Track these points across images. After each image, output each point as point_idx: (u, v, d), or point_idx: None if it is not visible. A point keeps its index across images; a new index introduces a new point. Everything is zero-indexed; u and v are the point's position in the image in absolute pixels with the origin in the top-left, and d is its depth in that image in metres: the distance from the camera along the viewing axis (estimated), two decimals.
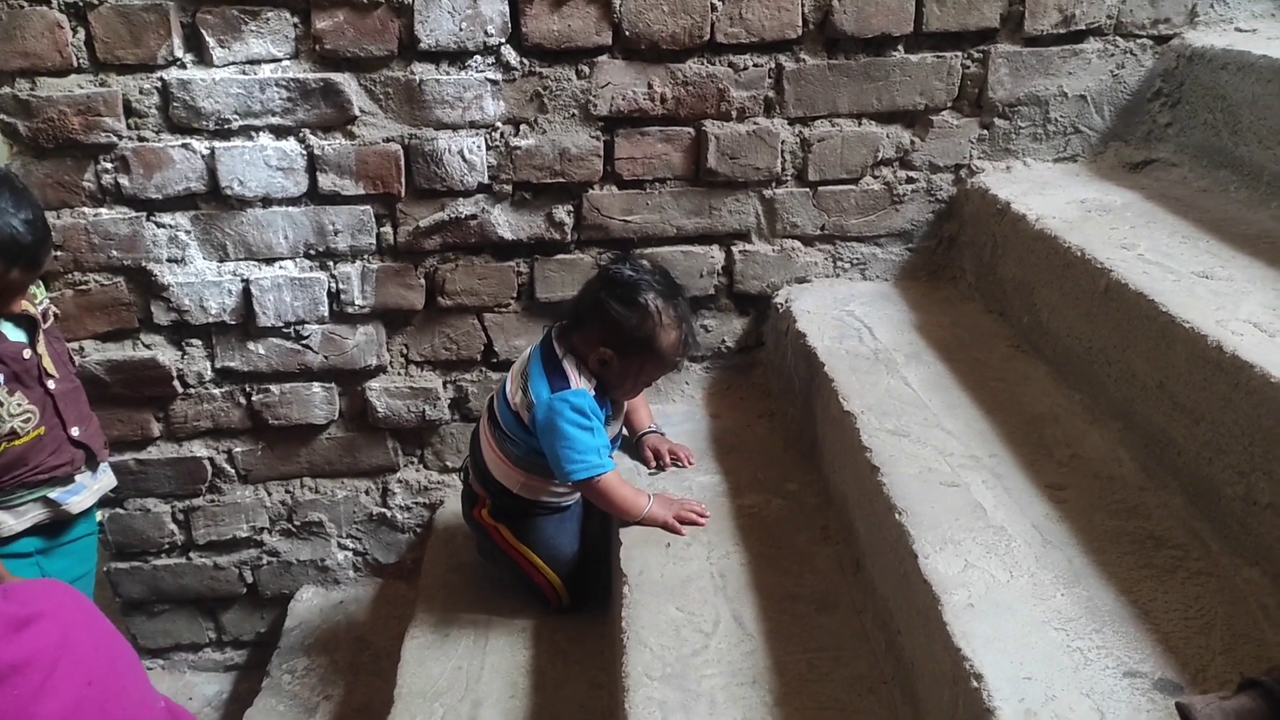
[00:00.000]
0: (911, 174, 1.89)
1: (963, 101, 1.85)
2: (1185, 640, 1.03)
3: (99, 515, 1.92)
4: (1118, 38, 1.82)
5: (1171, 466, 1.27)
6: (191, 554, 2.12)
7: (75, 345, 1.88)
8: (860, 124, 1.85)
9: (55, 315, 1.70)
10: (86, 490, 1.71)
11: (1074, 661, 1.01)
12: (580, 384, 1.62)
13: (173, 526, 2.08)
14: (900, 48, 1.80)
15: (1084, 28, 1.80)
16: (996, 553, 1.17)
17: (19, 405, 1.58)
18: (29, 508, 1.64)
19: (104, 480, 1.77)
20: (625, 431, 1.86)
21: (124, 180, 1.78)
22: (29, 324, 1.61)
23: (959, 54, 1.81)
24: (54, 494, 1.66)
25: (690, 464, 1.81)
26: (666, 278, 1.68)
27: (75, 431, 1.67)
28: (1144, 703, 0.96)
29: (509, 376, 1.72)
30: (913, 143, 1.87)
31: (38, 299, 1.65)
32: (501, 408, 1.70)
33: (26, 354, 1.58)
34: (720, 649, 1.37)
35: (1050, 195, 1.73)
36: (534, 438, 1.65)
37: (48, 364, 1.62)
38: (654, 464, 1.80)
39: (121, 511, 2.05)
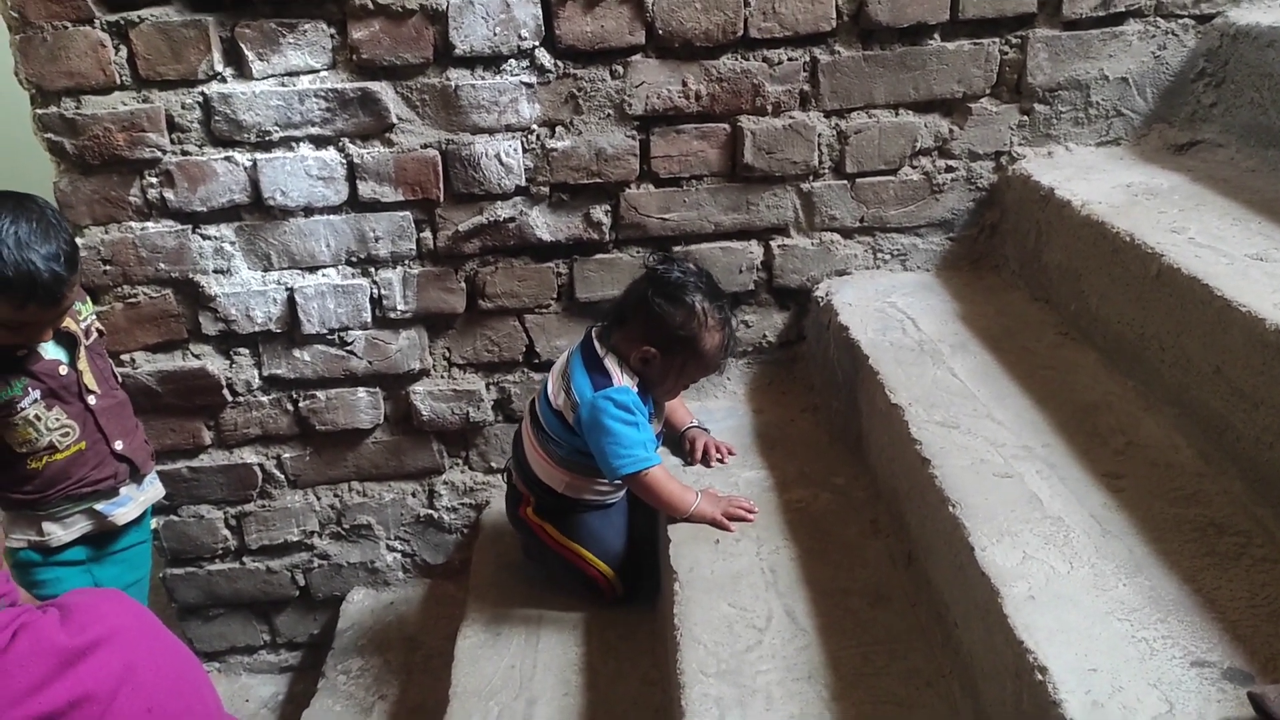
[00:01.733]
0: (951, 163, 1.88)
1: (1001, 88, 1.83)
2: (1253, 629, 1.02)
3: (154, 523, 1.96)
4: (1159, 18, 1.79)
5: (1230, 452, 1.25)
6: (244, 558, 2.15)
7: (126, 357, 1.92)
8: (897, 114, 1.84)
9: (99, 332, 1.73)
10: (132, 502, 1.74)
11: (1140, 652, 1.00)
12: (623, 381, 1.64)
13: (225, 532, 2.11)
14: (936, 36, 1.78)
15: (1124, 9, 1.77)
16: (1055, 544, 1.16)
17: (57, 420, 1.61)
18: (76, 519, 1.68)
19: (150, 492, 1.80)
20: (667, 430, 1.86)
21: (169, 194, 1.81)
22: (69, 341, 1.63)
23: (996, 40, 1.79)
24: (99, 506, 1.69)
25: (727, 461, 1.80)
26: (711, 281, 1.69)
27: (119, 445, 1.69)
28: (1214, 692, 0.95)
29: (549, 378, 1.74)
30: (951, 131, 1.85)
31: (81, 315, 1.67)
32: (544, 409, 1.71)
33: (63, 370, 1.61)
34: (774, 644, 1.37)
35: (1094, 180, 1.71)
36: (578, 438, 1.66)
37: (88, 380, 1.65)
38: (696, 457, 1.80)
39: (175, 518, 2.08)
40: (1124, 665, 0.99)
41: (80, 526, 1.68)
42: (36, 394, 1.58)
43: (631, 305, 1.66)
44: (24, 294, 1.44)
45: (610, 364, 1.65)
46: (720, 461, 1.80)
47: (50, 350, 1.61)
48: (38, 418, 1.59)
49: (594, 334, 1.70)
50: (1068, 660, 0.99)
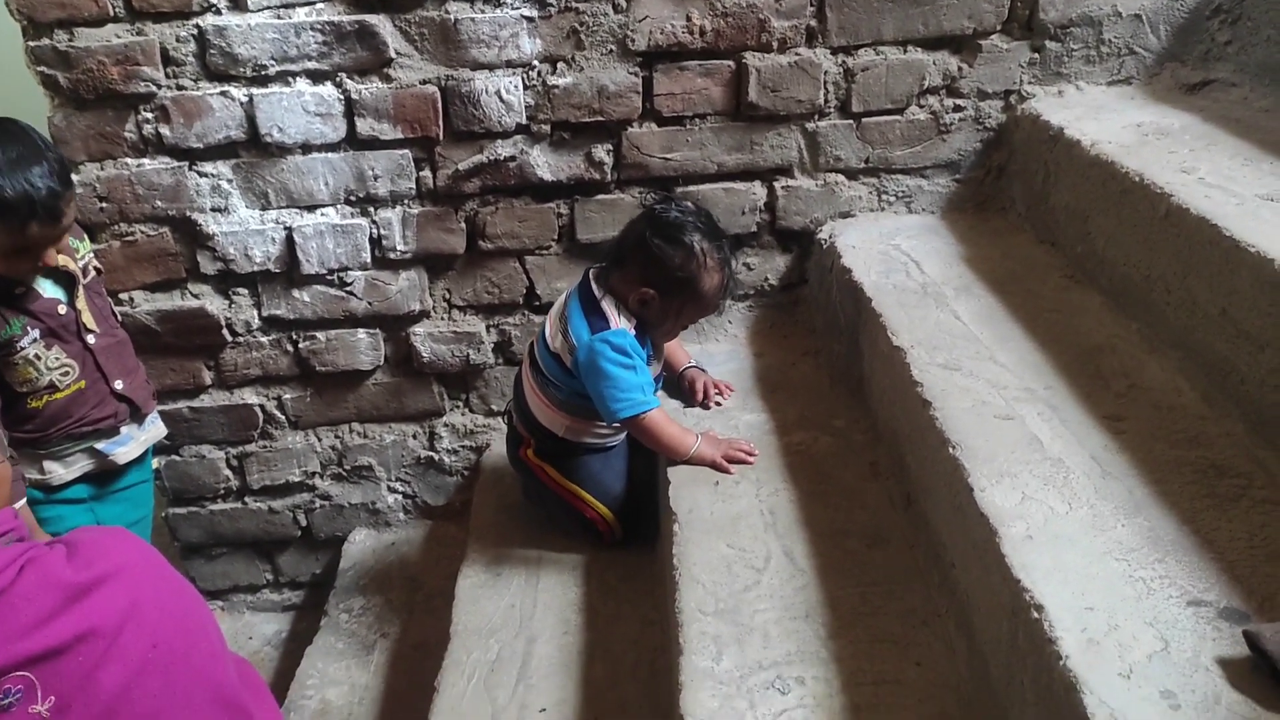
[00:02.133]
0: (959, 102, 1.84)
1: (1013, 24, 1.79)
2: (1251, 569, 1.02)
3: (155, 463, 1.97)
4: None
5: (1234, 395, 1.24)
6: (246, 499, 2.16)
7: (125, 296, 1.91)
8: (905, 51, 1.80)
9: (98, 270, 1.72)
10: (133, 441, 1.75)
11: (1136, 591, 1.00)
12: (620, 324, 1.62)
13: (227, 472, 2.12)
14: None
15: None
16: (1054, 485, 1.16)
17: (57, 359, 1.60)
18: (77, 458, 1.68)
19: (152, 431, 1.81)
20: (665, 371, 1.86)
21: (165, 130, 1.78)
22: (67, 280, 1.62)
23: None
24: (100, 445, 1.70)
25: (726, 397, 1.81)
26: (710, 220, 1.67)
27: (119, 385, 1.69)
28: (1209, 631, 0.95)
29: (547, 320, 1.72)
30: (960, 69, 1.82)
31: (80, 254, 1.66)
32: (542, 352, 1.70)
33: (62, 309, 1.60)
34: (772, 584, 1.37)
35: (1105, 119, 1.68)
36: (576, 381, 1.65)
37: (87, 319, 1.64)
38: (696, 397, 1.80)
39: (178, 458, 2.09)
40: (1120, 604, 0.99)
41: (81, 465, 1.69)
42: (35, 333, 1.58)
43: (629, 246, 1.64)
44: (25, 214, 1.43)
45: (607, 306, 1.64)
46: (718, 403, 1.80)
47: (48, 289, 1.61)
48: (37, 357, 1.59)
49: (591, 275, 1.69)
50: (1064, 599, 0.99)
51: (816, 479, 1.58)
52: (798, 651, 1.26)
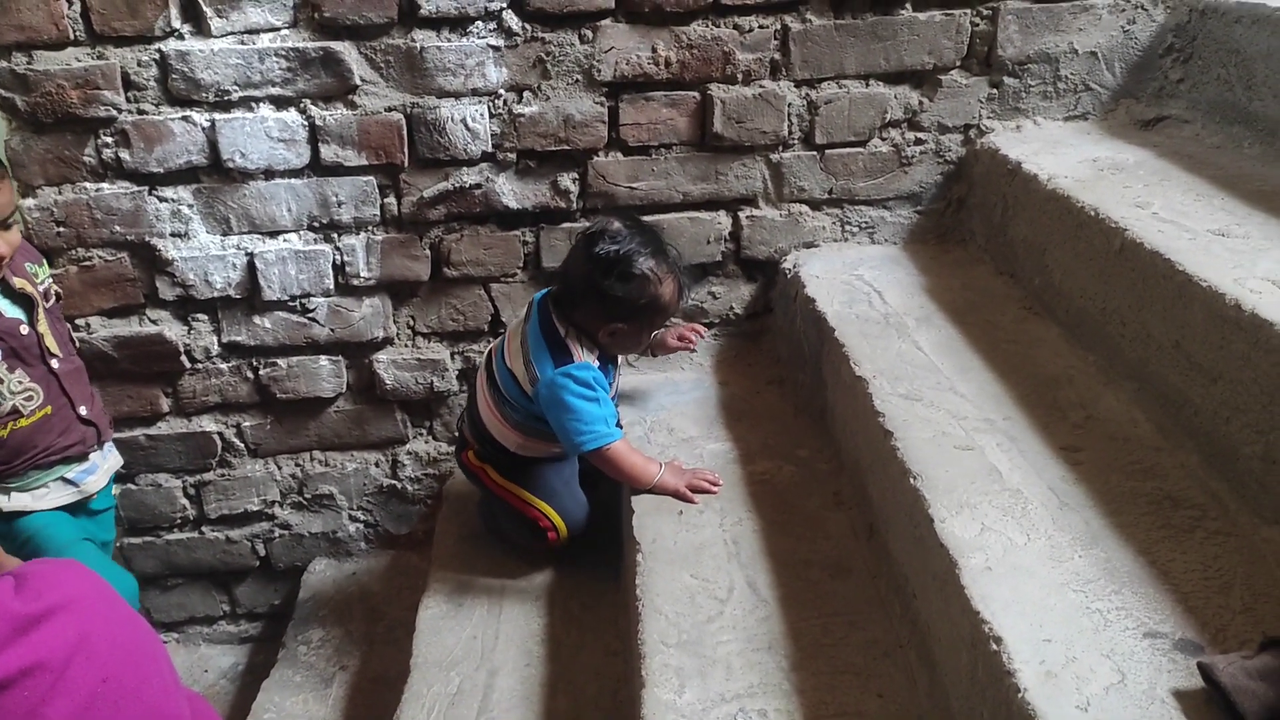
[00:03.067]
0: (920, 135, 1.87)
1: (972, 60, 1.82)
2: (1205, 600, 1.03)
3: (114, 490, 1.93)
4: None
5: (1188, 426, 1.26)
6: (203, 528, 2.12)
7: (82, 321, 1.88)
8: (868, 85, 1.83)
9: (57, 295, 1.69)
10: (100, 469, 1.72)
11: (1094, 623, 1.01)
12: (583, 357, 1.62)
13: (184, 501, 2.08)
14: (908, 6, 1.77)
15: None
16: (1013, 515, 1.17)
17: (20, 383, 1.57)
18: (47, 489, 1.64)
19: (113, 459, 1.78)
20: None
21: (125, 154, 1.76)
22: (26, 302, 1.60)
23: (968, 11, 1.78)
24: (72, 474, 1.66)
25: (705, 335, 1.92)
26: (647, 232, 1.64)
27: (84, 410, 1.66)
28: (1165, 663, 0.96)
29: (505, 338, 1.71)
30: (921, 103, 1.84)
31: (39, 278, 1.64)
32: (500, 370, 1.69)
33: (24, 330, 1.57)
34: (735, 615, 1.37)
35: (1062, 154, 1.71)
36: (536, 406, 1.65)
37: (50, 343, 1.61)
38: (678, 347, 1.87)
39: (133, 487, 2.05)
40: (1078, 636, 0.99)
41: (55, 497, 1.65)
42: None
43: (581, 288, 1.61)
44: None
45: (572, 343, 1.62)
46: (699, 335, 1.88)
47: (9, 309, 1.58)
48: (0, 379, 1.55)
49: (551, 308, 1.66)
50: (1023, 631, 1.00)
51: (780, 509, 1.58)
52: (760, 683, 1.25)
